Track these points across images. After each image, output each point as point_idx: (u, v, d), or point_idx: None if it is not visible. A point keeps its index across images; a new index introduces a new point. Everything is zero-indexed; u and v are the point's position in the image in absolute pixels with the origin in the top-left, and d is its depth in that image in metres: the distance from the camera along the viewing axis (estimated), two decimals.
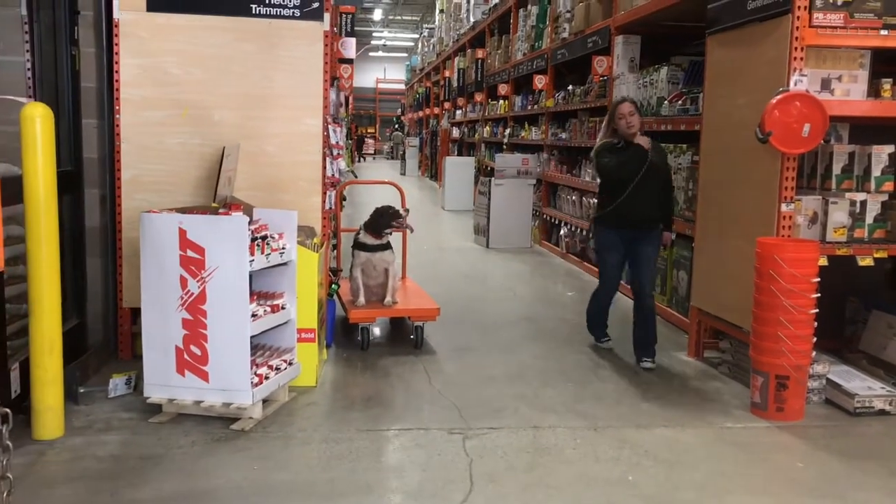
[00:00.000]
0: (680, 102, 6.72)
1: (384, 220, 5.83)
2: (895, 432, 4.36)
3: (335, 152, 5.36)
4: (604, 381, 5.13)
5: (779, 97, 4.54)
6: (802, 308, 4.38)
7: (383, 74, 46.06)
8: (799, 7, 4.54)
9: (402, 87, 41.01)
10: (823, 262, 4.55)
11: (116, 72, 5.03)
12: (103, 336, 5.21)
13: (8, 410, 2.84)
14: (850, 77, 4.72)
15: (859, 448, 4.14)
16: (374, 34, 39.88)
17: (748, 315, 4.72)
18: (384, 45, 42.47)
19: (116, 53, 5.02)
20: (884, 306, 5.22)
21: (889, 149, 4.83)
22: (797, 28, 4.54)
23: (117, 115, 5.06)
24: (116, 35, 5.00)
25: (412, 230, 6.19)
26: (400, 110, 41.97)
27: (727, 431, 4.31)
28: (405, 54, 43.27)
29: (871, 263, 4.76)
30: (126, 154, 5.08)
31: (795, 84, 4.56)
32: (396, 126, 39.30)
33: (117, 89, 5.04)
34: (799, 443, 4.18)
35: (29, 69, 4.71)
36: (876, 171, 4.82)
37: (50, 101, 4.54)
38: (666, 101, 6.93)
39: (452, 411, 4.49)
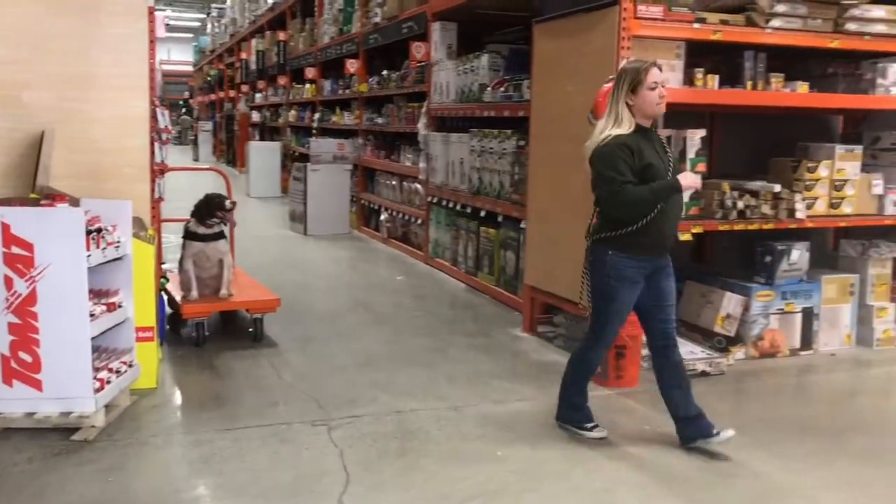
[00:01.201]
0: (503, 89, 6.93)
1: (209, 208, 5.57)
2: (717, 391, 4.80)
3: (163, 136, 5.02)
4: (452, 362, 5.21)
5: (609, 84, 4.80)
6: None
7: (167, 55, 43.62)
8: None
9: (190, 68, 39.08)
10: None
11: None
12: None
13: None
14: (669, 66, 5.09)
15: None
16: (157, 13, 37.63)
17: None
18: (168, 25, 40.12)
19: None
20: (696, 277, 5.72)
21: (701, 133, 5.27)
22: (624, 19, 4.82)
23: None
24: None
25: (234, 224, 5.94)
26: (188, 93, 39.98)
27: None
28: (191, 35, 41.22)
29: (690, 238, 5.19)
30: None
31: None
32: (184, 110, 37.40)
33: None
34: (641, 407, 4.49)
35: None
36: (690, 153, 5.24)
37: None
38: (489, 88, 7.12)
39: (309, 403, 4.38)
